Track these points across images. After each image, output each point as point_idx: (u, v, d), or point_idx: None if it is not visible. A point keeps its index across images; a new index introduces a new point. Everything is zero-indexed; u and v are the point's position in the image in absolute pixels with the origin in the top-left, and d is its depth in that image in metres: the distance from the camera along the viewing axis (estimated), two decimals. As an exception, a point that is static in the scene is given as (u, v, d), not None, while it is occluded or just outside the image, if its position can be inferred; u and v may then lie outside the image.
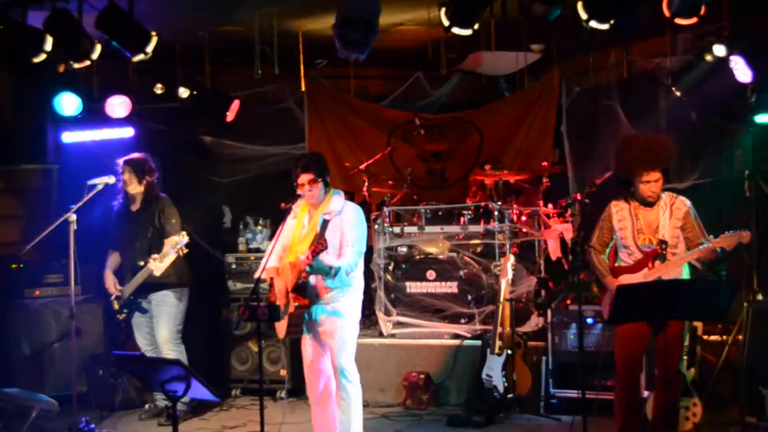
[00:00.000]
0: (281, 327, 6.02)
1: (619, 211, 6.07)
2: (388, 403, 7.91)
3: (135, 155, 7.57)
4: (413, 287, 8.35)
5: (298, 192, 5.98)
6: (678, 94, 7.34)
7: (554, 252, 8.70)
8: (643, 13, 6.08)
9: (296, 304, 5.89)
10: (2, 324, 8.25)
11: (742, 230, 5.69)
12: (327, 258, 5.75)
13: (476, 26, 6.23)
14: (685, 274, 5.97)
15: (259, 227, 8.75)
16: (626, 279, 5.92)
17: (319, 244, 5.65)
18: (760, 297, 7.13)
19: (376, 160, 9.36)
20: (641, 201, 5.97)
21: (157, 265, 7.18)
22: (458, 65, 9.60)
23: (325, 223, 5.99)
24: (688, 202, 5.97)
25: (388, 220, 8.54)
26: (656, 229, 5.91)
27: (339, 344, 6.02)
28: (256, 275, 5.97)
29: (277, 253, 6.12)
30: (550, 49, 9.11)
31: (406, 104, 10.27)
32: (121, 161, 7.50)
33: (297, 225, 6.11)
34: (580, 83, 9.56)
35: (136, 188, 7.51)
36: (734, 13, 6.93)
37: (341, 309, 6.02)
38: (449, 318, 8.21)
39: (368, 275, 8.12)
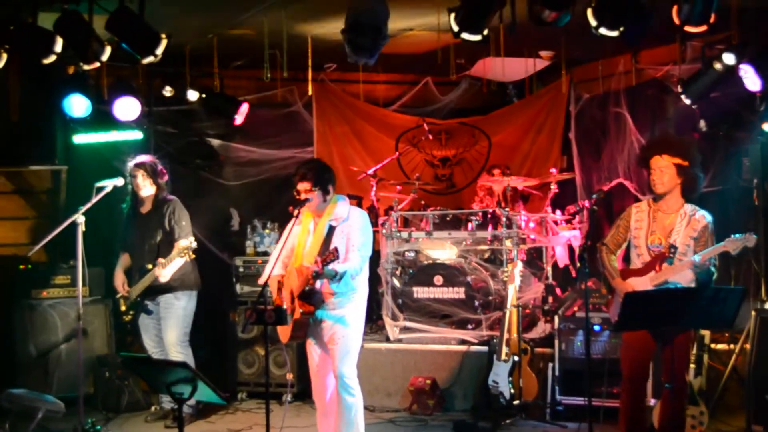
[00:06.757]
0: (284, 332, 6.02)
1: (638, 212, 6.10)
2: (395, 408, 7.89)
3: (145, 157, 7.57)
4: (420, 292, 8.34)
5: (298, 198, 5.98)
6: (687, 102, 7.33)
7: (562, 259, 8.71)
8: (652, 20, 6.05)
9: (302, 310, 5.89)
10: (9, 325, 8.26)
11: (747, 234, 5.68)
12: (334, 264, 5.75)
13: (486, 32, 6.22)
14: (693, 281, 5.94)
15: (267, 230, 8.75)
16: (633, 281, 5.93)
17: (330, 254, 5.62)
18: (767, 306, 7.11)
19: (384, 165, 9.37)
20: (654, 196, 6.00)
21: (162, 272, 7.20)
22: (467, 71, 9.61)
23: (331, 230, 5.99)
24: (709, 217, 5.94)
25: (395, 224, 8.54)
26: (669, 233, 5.92)
27: (342, 352, 5.99)
28: (262, 280, 5.97)
29: (283, 260, 6.13)
30: (559, 55, 9.10)
31: (415, 109, 10.29)
32: (132, 164, 7.49)
33: (302, 231, 6.10)
34: (588, 90, 9.56)
35: (148, 191, 7.51)
36: (744, 21, 6.91)
37: (346, 316, 6.00)
38: (456, 323, 8.20)
39: (375, 280, 8.12)
